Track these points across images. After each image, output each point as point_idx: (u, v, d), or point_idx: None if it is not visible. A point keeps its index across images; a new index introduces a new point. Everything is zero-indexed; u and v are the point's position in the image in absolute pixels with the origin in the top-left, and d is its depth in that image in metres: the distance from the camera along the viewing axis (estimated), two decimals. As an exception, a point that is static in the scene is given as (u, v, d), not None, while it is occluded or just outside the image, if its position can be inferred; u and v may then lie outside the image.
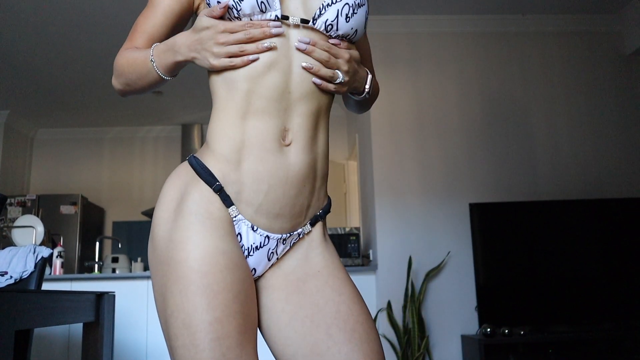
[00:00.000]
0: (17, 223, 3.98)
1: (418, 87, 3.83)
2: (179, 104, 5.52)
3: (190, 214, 0.88)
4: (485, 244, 3.45)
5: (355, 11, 0.91)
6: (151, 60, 0.92)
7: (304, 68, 0.90)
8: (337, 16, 0.89)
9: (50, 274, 3.58)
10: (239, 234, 0.92)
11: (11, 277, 2.24)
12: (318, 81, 0.91)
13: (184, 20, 1.03)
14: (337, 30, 0.91)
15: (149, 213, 5.59)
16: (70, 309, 1.95)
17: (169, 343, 0.86)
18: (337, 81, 0.93)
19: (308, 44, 0.88)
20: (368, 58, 1.13)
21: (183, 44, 0.90)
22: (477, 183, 3.68)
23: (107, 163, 6.17)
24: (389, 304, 3.44)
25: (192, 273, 0.84)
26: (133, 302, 3.46)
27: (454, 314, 3.49)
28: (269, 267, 0.97)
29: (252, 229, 0.92)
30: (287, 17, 0.88)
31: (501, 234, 3.46)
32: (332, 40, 0.92)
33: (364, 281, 3.59)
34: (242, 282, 0.88)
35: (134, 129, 6.21)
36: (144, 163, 6.19)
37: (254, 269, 0.95)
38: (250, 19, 0.88)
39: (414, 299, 3.38)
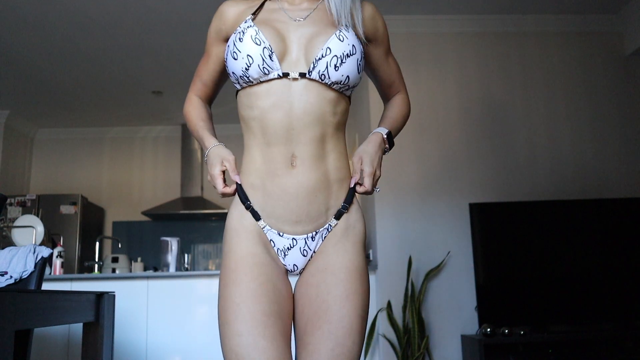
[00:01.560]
0: (17, 223, 3.98)
1: (418, 87, 3.83)
2: (179, 104, 5.51)
3: (230, 229, 1.17)
4: (485, 244, 3.45)
5: (344, 61, 1.10)
6: (205, 157, 1.20)
7: (358, 192, 1.19)
8: (327, 67, 1.09)
9: (50, 274, 3.58)
10: (271, 240, 1.15)
11: (11, 277, 2.24)
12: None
13: None
14: (329, 78, 1.11)
15: (149, 213, 5.60)
16: (70, 309, 1.95)
17: None
18: (377, 190, 1.21)
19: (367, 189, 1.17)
20: (395, 76, 1.33)
21: (209, 156, 1.18)
22: (477, 183, 3.68)
23: (107, 163, 6.16)
24: (389, 303, 3.44)
25: (228, 271, 1.12)
26: (133, 302, 3.46)
27: (454, 314, 3.49)
28: (310, 261, 1.17)
29: (279, 234, 1.15)
30: (287, 74, 1.10)
31: (501, 234, 3.46)
32: (365, 168, 1.16)
33: (364, 281, 3.59)
34: (270, 275, 1.11)
35: (134, 129, 6.21)
36: (144, 163, 6.19)
37: (295, 265, 1.17)
38: (260, 80, 1.12)
39: (414, 299, 3.38)
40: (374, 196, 3.66)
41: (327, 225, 1.16)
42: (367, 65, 1.26)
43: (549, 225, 3.46)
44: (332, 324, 1.06)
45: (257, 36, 1.11)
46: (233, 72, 1.14)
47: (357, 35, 1.16)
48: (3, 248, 2.44)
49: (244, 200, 1.16)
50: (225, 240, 1.17)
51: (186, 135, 6.07)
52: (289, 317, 1.12)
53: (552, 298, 3.35)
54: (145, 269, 4.78)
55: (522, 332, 3.17)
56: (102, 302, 2.17)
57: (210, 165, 1.16)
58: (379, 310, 3.49)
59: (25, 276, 2.27)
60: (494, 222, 3.48)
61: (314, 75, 1.10)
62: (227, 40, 1.21)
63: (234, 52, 1.12)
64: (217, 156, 1.15)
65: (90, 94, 5.19)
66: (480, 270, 3.42)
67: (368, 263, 3.76)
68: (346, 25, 1.15)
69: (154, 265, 5.20)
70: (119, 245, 5.33)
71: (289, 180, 1.12)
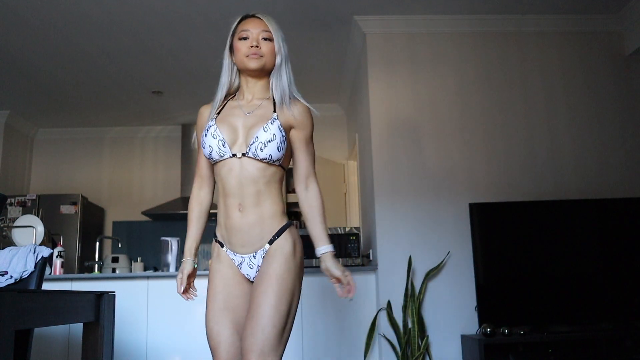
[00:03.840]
0: (17, 223, 3.98)
1: (417, 87, 3.83)
2: (179, 104, 5.52)
3: (212, 255, 1.76)
4: (485, 244, 3.45)
5: (266, 145, 1.62)
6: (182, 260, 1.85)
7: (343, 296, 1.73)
8: (256, 149, 1.63)
9: (50, 273, 3.58)
10: (232, 258, 1.71)
11: (11, 276, 2.25)
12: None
13: None
14: (258, 155, 1.63)
15: (149, 213, 5.60)
16: (70, 309, 1.96)
17: None
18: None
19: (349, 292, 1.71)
20: (310, 166, 1.77)
21: (181, 266, 1.83)
22: (477, 183, 3.68)
23: (107, 163, 6.17)
24: (388, 303, 3.44)
25: (209, 281, 1.73)
26: (133, 302, 3.46)
27: (453, 313, 3.49)
28: (259, 271, 1.67)
29: (234, 254, 1.70)
30: (235, 154, 1.65)
31: (501, 234, 3.46)
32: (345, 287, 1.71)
33: (364, 281, 3.59)
34: (227, 284, 1.69)
35: (134, 129, 6.21)
36: (144, 163, 6.19)
37: (248, 274, 1.71)
38: (220, 160, 1.67)
39: (414, 299, 3.38)
40: (373, 196, 3.67)
41: (262, 249, 1.67)
42: (292, 144, 1.74)
43: (549, 225, 3.46)
44: (253, 310, 1.56)
45: (215, 132, 1.67)
46: (205, 156, 1.73)
47: (281, 124, 1.66)
48: (3, 248, 2.44)
49: (215, 236, 1.77)
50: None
51: (186, 135, 6.08)
52: (242, 310, 1.65)
53: (552, 298, 3.35)
54: (145, 269, 4.78)
55: (522, 332, 3.18)
56: (102, 302, 2.17)
57: (179, 272, 1.82)
58: (379, 310, 3.49)
59: (25, 276, 2.27)
60: (494, 222, 3.48)
61: (250, 154, 1.64)
62: None
63: (203, 143, 1.69)
64: (180, 271, 1.81)
65: (90, 94, 5.19)
66: (480, 270, 3.42)
67: (368, 263, 3.78)
68: (274, 118, 1.66)
69: (154, 265, 5.20)
70: (119, 245, 5.33)
71: (237, 220, 1.66)
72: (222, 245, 1.72)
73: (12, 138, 5.70)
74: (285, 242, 1.65)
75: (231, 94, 1.79)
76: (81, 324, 2.28)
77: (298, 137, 1.73)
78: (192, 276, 1.80)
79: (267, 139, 1.62)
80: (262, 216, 1.66)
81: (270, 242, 1.66)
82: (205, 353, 3.41)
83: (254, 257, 1.67)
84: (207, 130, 1.68)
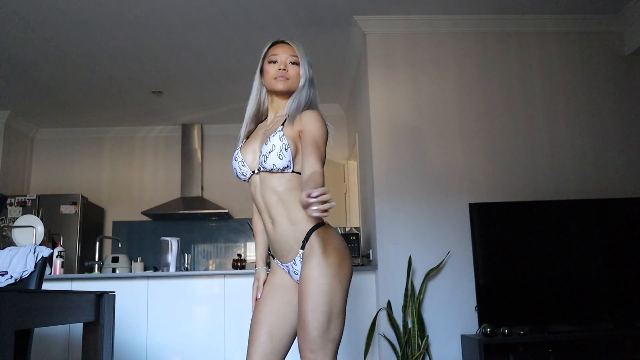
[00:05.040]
0: (17, 223, 3.99)
1: (417, 87, 3.83)
2: (179, 104, 5.52)
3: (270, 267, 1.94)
4: (485, 244, 3.45)
5: (268, 156, 1.73)
6: (256, 268, 1.98)
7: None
8: (261, 162, 1.76)
9: (50, 273, 3.58)
10: (282, 268, 1.82)
11: (11, 276, 2.25)
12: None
13: None
14: (265, 167, 1.75)
15: (149, 213, 5.60)
16: (70, 309, 1.96)
17: None
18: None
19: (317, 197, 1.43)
20: (306, 161, 1.69)
21: (256, 272, 1.97)
22: (477, 183, 3.68)
23: (107, 163, 6.17)
24: (388, 303, 3.44)
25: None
26: (133, 302, 3.46)
27: (453, 313, 3.49)
28: (295, 277, 1.81)
29: (281, 263, 1.82)
30: (254, 172, 1.81)
31: (501, 234, 3.46)
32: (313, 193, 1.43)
33: (364, 281, 3.59)
34: (273, 290, 1.83)
35: (134, 129, 6.21)
36: (144, 163, 6.19)
37: (297, 280, 1.77)
38: (246, 179, 1.85)
39: (414, 299, 3.38)
40: (373, 196, 3.67)
41: (298, 255, 1.75)
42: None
43: (549, 225, 3.46)
44: (299, 317, 1.65)
45: (237, 155, 1.85)
46: None
47: (285, 134, 1.74)
48: (3, 248, 2.44)
49: (268, 250, 1.92)
50: None
51: (186, 135, 6.07)
52: (282, 316, 1.79)
53: (552, 298, 3.35)
54: (145, 269, 4.78)
55: (521, 332, 3.18)
56: (102, 302, 2.17)
57: (254, 279, 1.95)
58: (379, 310, 3.49)
59: (25, 276, 2.27)
60: (494, 222, 3.48)
61: (261, 168, 1.77)
62: None
63: (232, 165, 1.89)
64: (255, 279, 1.93)
65: (91, 94, 5.19)
66: (480, 270, 3.42)
67: (368, 263, 3.78)
68: (278, 130, 1.75)
69: (154, 265, 5.20)
70: (119, 245, 5.33)
71: (272, 232, 1.79)
72: (273, 257, 1.87)
73: (12, 138, 5.70)
74: (315, 243, 1.69)
75: (263, 115, 1.94)
76: (81, 324, 2.28)
77: (303, 139, 1.74)
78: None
79: (268, 150, 1.74)
80: (290, 224, 1.74)
81: (303, 247, 1.72)
82: (206, 353, 3.42)
83: (294, 264, 1.76)
84: (233, 156, 1.88)
